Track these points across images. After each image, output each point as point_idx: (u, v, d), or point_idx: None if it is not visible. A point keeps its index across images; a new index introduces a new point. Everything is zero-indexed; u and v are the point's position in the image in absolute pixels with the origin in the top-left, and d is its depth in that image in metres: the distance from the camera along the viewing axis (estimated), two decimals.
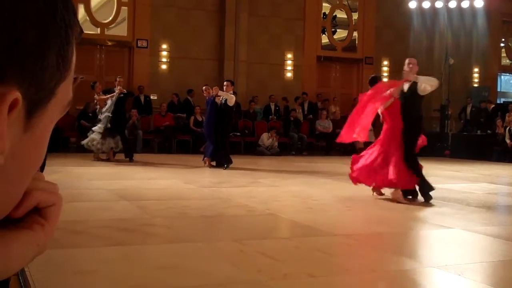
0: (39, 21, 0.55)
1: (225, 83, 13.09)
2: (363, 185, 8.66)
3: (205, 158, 12.97)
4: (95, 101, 13.91)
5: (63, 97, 0.61)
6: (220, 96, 12.73)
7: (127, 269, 4.39)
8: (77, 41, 0.61)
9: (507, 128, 18.13)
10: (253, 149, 17.50)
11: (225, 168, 12.28)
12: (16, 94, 0.54)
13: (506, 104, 22.90)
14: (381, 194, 8.73)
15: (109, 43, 18.82)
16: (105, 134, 13.19)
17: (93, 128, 13.49)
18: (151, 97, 18.28)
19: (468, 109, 21.32)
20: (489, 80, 23.77)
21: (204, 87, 13.58)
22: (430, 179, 11.53)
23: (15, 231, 0.63)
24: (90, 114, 16.60)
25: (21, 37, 0.54)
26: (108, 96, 13.53)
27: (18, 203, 0.63)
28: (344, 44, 22.10)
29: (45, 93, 0.58)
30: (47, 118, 0.60)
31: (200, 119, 17.35)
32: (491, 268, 4.88)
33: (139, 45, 18.63)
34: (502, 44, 24.81)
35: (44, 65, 0.56)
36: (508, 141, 17.87)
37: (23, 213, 0.64)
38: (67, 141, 17.28)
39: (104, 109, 13.42)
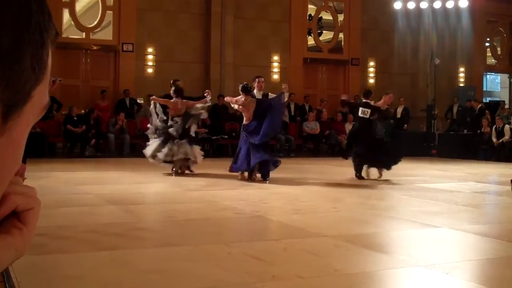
0: (13, 24, 0.55)
1: (261, 79, 11.50)
2: (349, 186, 8.67)
3: (247, 173, 10.98)
4: (178, 105, 11.79)
5: (39, 100, 0.61)
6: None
7: (115, 273, 4.37)
8: (53, 44, 0.61)
9: (494, 126, 18.23)
10: None
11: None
12: None
13: (492, 103, 23.05)
14: None
15: (95, 48, 18.74)
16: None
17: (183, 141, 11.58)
18: (138, 101, 18.20)
19: (455, 109, 21.43)
20: (474, 80, 23.90)
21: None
22: (418, 178, 11.64)
23: None
24: (75, 119, 16.55)
25: None
26: (199, 102, 12.01)
27: None
28: (330, 45, 22.16)
29: (21, 96, 0.57)
30: (24, 121, 0.59)
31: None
32: (479, 266, 4.91)
33: (124, 49, 18.56)
34: (487, 44, 24.96)
35: (19, 68, 0.56)
36: (494, 139, 17.97)
37: (0, 217, 0.63)
38: (53, 147, 17.20)
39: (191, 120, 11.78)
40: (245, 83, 11.25)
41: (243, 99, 11.00)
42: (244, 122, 11.08)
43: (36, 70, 0.58)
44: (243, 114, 11.30)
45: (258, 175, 10.86)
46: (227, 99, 11.90)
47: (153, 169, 12.24)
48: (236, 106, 11.29)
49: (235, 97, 11.43)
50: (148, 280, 4.14)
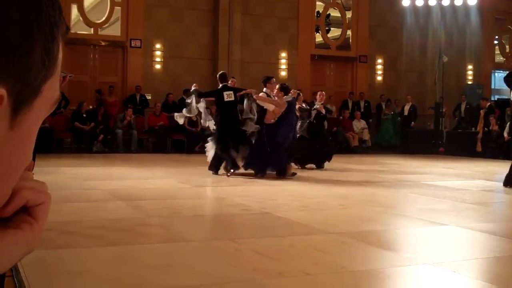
0: (24, 18, 0.55)
1: (273, 80, 11.37)
2: (357, 184, 8.66)
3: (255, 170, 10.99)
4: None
5: (50, 94, 0.60)
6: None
7: (122, 269, 4.38)
8: (64, 38, 0.61)
9: (508, 122, 18.02)
10: None
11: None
12: (1, 92, 0.54)
13: (500, 101, 22.92)
14: None
15: (103, 43, 18.77)
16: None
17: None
18: (146, 97, 18.24)
19: (463, 107, 21.33)
20: (483, 78, 23.80)
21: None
22: (425, 176, 11.61)
23: (3, 231, 0.63)
24: (84, 115, 16.57)
25: (5, 35, 0.53)
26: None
27: (6, 202, 0.62)
28: (338, 42, 22.10)
29: (31, 91, 0.57)
30: (33, 116, 0.59)
31: (194, 118, 17.26)
32: (486, 265, 4.90)
33: (132, 45, 18.58)
34: (495, 42, 24.84)
35: (29, 63, 0.56)
36: (505, 135, 17.76)
37: (11, 212, 0.64)
38: (61, 142, 17.24)
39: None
40: (285, 83, 11.68)
41: (277, 99, 10.97)
42: (268, 121, 10.87)
43: (46, 64, 0.58)
44: (269, 113, 10.94)
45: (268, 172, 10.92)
46: (259, 98, 11.11)
47: (160, 165, 12.26)
48: (271, 107, 10.93)
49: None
50: (154, 275, 4.15)
